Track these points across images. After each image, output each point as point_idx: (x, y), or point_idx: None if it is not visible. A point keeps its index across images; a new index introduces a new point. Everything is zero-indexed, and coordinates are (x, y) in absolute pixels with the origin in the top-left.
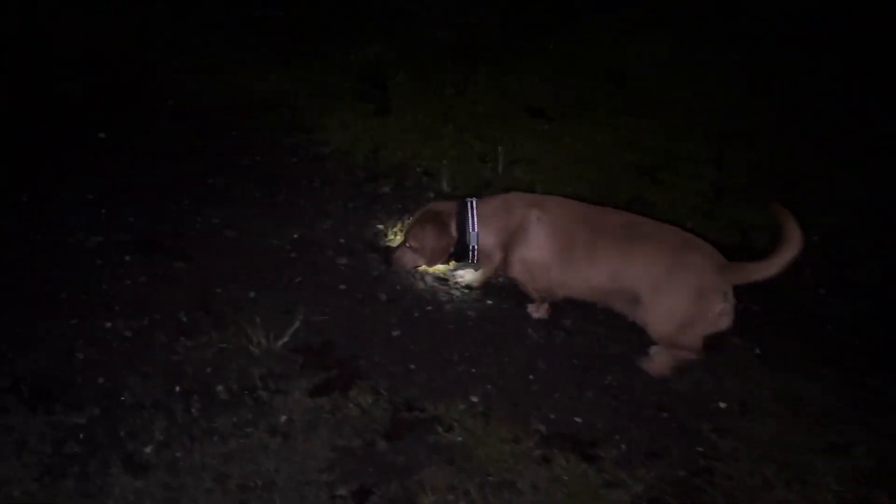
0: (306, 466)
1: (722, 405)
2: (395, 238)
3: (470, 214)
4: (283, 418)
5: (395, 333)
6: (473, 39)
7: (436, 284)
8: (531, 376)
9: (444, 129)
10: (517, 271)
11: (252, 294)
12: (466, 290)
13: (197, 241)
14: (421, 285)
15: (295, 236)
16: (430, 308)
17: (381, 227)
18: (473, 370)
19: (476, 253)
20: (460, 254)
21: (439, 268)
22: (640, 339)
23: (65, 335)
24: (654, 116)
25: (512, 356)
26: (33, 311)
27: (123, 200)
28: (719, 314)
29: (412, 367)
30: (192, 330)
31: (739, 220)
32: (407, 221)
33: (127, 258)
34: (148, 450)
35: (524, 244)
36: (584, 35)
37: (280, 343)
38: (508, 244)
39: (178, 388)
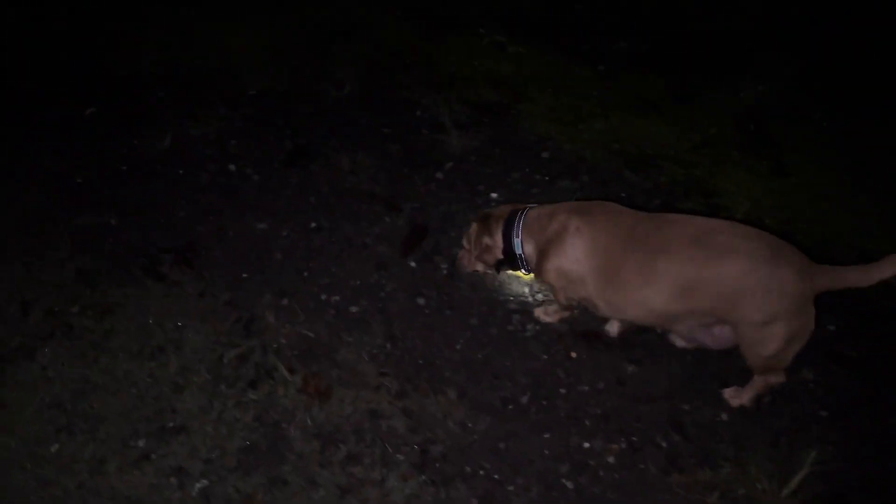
0: None
1: None
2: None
3: (517, 220)
4: None
5: None
6: (873, 80)
7: None
8: None
9: (863, 197)
10: (551, 277)
11: (724, 416)
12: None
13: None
14: None
15: None
16: None
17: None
18: None
19: (524, 260)
20: (511, 261)
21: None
22: None
23: (545, 454)
24: None
25: None
26: (502, 416)
27: None
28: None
29: None
30: (678, 460)
31: None
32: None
33: (573, 355)
34: None
35: (558, 254)
36: None
37: (787, 492)
38: (543, 250)
39: None
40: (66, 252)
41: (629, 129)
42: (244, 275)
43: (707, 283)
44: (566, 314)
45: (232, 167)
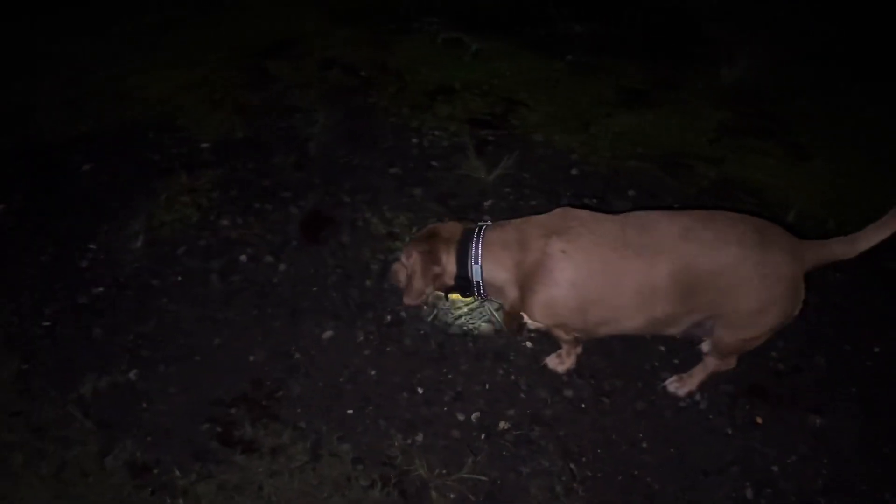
0: None
1: None
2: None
3: (473, 244)
4: None
5: None
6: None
7: None
8: None
9: (884, 167)
10: (541, 316)
11: None
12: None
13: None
14: None
15: None
16: None
17: None
18: None
19: (483, 288)
20: (464, 288)
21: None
22: None
23: None
24: None
25: None
26: None
27: None
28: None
29: None
30: None
31: None
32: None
33: (759, 421)
34: None
35: (547, 285)
36: None
37: None
38: (525, 283)
39: None
40: (97, 443)
41: (638, 126)
42: (348, 411)
43: (707, 278)
44: (579, 350)
45: (243, 258)
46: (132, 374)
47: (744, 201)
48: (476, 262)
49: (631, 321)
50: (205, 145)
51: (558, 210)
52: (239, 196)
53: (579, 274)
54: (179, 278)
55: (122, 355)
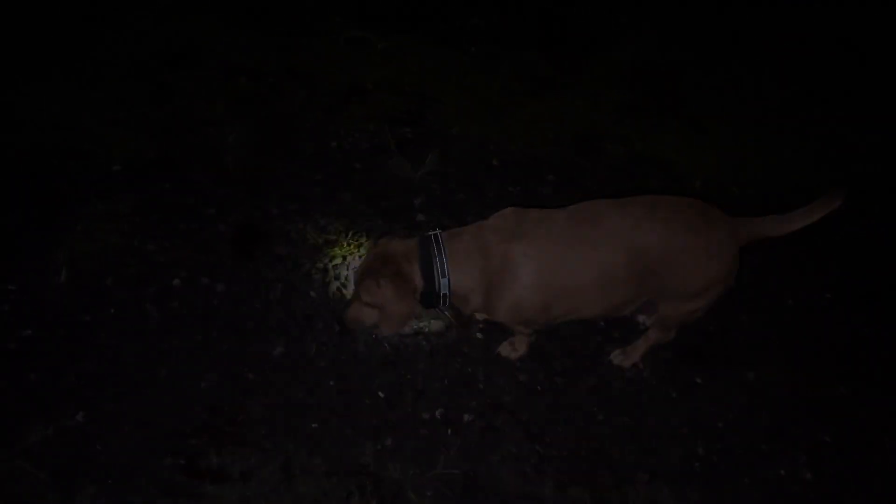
0: None
1: None
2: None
3: (437, 256)
4: None
5: None
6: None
7: None
8: None
9: (771, 138)
10: (507, 317)
11: (842, 390)
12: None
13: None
14: None
15: None
16: None
17: None
18: None
19: (448, 299)
20: (430, 301)
21: None
22: None
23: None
24: None
25: None
26: (701, 478)
27: None
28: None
29: None
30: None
31: None
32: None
33: (699, 381)
34: None
35: (513, 286)
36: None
37: None
38: (490, 288)
39: None
40: (56, 495)
41: (546, 112)
42: (313, 425)
43: (660, 264)
44: (533, 338)
45: (176, 281)
46: (80, 417)
47: (655, 176)
48: (444, 276)
49: (591, 310)
50: (116, 168)
51: (508, 211)
52: (162, 218)
53: (542, 274)
54: (112, 311)
55: (65, 399)
